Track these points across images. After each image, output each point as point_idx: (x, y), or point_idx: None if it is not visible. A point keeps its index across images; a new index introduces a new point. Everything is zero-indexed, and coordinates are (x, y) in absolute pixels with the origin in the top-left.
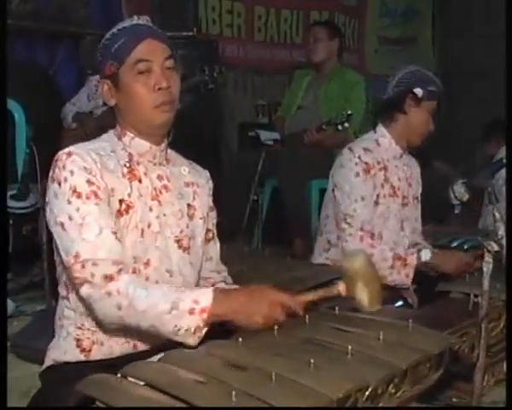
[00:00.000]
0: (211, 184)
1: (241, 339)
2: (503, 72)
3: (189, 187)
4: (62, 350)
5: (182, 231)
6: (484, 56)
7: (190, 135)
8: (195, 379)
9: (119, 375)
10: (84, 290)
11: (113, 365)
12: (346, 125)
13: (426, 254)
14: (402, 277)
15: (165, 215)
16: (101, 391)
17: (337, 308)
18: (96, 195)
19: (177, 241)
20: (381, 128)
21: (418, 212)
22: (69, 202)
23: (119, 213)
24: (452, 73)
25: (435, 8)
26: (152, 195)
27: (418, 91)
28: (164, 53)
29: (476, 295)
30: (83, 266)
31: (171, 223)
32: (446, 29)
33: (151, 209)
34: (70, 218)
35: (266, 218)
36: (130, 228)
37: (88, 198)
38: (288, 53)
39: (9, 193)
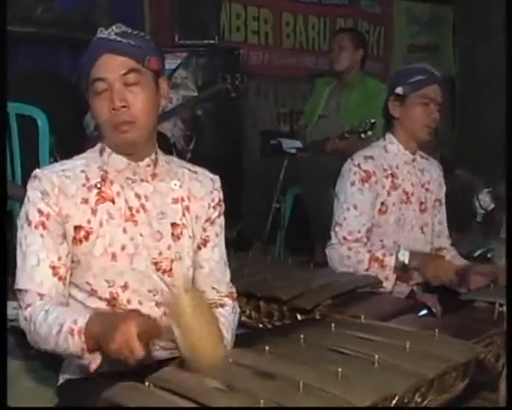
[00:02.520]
0: (216, 194)
1: (267, 347)
2: None
3: (178, 203)
4: (70, 368)
5: (161, 254)
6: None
7: (212, 143)
8: (222, 388)
9: (147, 383)
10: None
11: (123, 377)
12: (370, 133)
13: (403, 255)
14: (381, 280)
15: (141, 236)
16: (130, 399)
17: (363, 317)
18: (43, 225)
19: (155, 263)
20: (389, 135)
21: (442, 215)
22: (21, 228)
23: (77, 241)
24: (475, 80)
25: (456, 16)
26: (126, 215)
27: (399, 90)
28: (123, 67)
29: (501, 305)
30: (18, 293)
31: (148, 244)
32: (468, 36)
33: (125, 231)
34: (20, 244)
35: (288, 226)
36: (98, 254)
37: (36, 228)
38: (313, 60)
39: None
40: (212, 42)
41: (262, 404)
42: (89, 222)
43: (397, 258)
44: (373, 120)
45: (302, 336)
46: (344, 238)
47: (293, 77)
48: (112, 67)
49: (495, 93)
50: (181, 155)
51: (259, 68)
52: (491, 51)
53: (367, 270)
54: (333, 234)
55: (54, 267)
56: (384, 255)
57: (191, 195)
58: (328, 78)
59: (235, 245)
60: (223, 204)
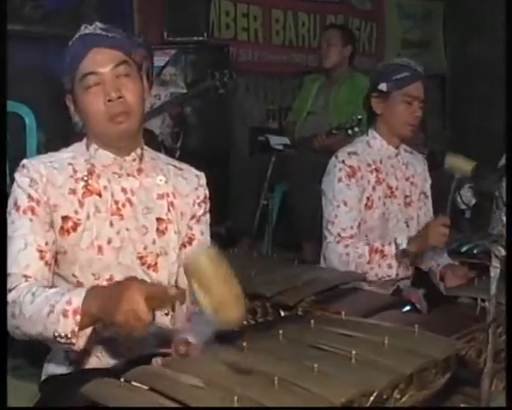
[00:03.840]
0: (202, 191)
1: (246, 344)
2: None
3: (163, 199)
4: (54, 363)
5: (146, 248)
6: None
7: (201, 140)
8: (198, 384)
9: (122, 379)
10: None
11: (106, 373)
12: (356, 129)
13: (401, 241)
14: (384, 269)
15: (127, 230)
16: (105, 395)
17: (343, 313)
18: (32, 210)
19: (140, 258)
20: (371, 130)
21: (428, 208)
22: (9, 214)
23: (65, 231)
24: (466, 76)
25: (446, 10)
26: (112, 209)
27: (382, 87)
28: (113, 60)
29: (484, 300)
30: (8, 276)
31: (134, 238)
32: (459, 31)
33: (111, 224)
34: (6, 229)
35: (276, 222)
36: (85, 246)
37: (24, 213)
38: (303, 57)
39: None
40: (201, 39)
41: (236, 400)
42: (76, 213)
43: (396, 245)
44: (359, 117)
45: (281, 332)
46: (339, 235)
47: (282, 74)
48: (103, 61)
49: (487, 89)
50: (169, 153)
51: (249, 65)
52: (482, 46)
53: (369, 262)
54: (326, 233)
55: (41, 251)
56: (383, 245)
57: (176, 191)
58: (316, 74)
59: (223, 242)
60: (208, 201)
